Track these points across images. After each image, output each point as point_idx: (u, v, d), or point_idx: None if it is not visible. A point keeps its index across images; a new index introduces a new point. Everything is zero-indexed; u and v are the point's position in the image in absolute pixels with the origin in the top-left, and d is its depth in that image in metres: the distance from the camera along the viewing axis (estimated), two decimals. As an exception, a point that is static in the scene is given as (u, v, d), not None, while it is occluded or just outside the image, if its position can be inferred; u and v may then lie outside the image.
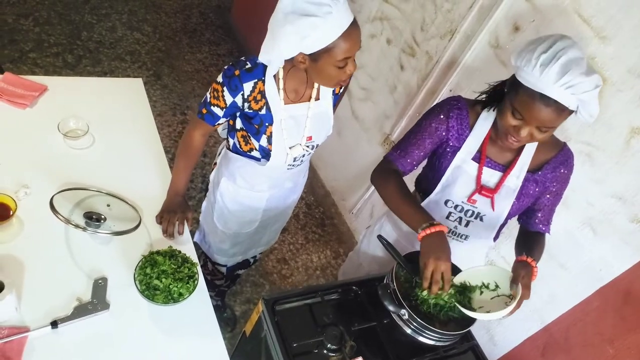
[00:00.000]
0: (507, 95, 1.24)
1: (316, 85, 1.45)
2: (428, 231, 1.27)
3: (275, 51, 1.24)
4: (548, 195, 1.43)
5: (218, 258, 1.91)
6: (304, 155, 1.58)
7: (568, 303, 1.71)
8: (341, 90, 1.58)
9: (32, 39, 3.41)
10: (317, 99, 1.49)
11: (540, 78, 1.12)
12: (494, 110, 1.35)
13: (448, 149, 1.42)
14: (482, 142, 1.38)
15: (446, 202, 1.46)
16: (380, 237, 1.48)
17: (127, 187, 1.60)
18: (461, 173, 1.41)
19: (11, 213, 1.34)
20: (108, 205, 1.53)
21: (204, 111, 1.46)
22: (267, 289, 2.60)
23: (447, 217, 1.49)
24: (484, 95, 1.39)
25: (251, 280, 2.60)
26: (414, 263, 1.47)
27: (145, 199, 1.59)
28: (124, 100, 1.96)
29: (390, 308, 1.32)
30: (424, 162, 1.54)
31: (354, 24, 1.24)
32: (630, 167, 1.49)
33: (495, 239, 1.57)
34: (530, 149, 1.38)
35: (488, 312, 1.25)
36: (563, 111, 1.15)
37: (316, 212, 3.18)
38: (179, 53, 3.88)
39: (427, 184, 1.52)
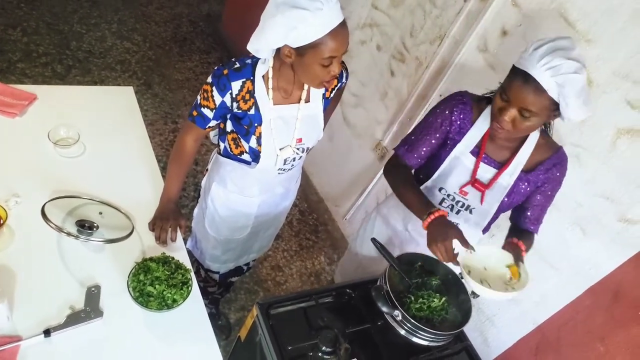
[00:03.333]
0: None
1: (306, 86, 1.46)
2: (430, 219, 1.33)
3: (262, 40, 1.26)
4: (539, 196, 1.46)
5: (210, 265, 1.90)
6: (294, 159, 1.58)
7: (559, 303, 1.72)
8: (332, 95, 1.59)
9: (21, 49, 3.40)
10: (307, 101, 1.50)
11: (528, 58, 1.19)
12: None
13: (449, 142, 1.47)
14: (482, 137, 1.42)
15: (440, 190, 1.50)
16: (373, 240, 1.49)
17: (119, 195, 1.59)
18: (458, 164, 1.45)
19: (1, 222, 1.33)
20: (100, 213, 1.52)
21: (195, 113, 1.46)
22: (261, 296, 2.60)
23: (440, 203, 1.53)
24: (492, 93, 1.43)
25: (245, 287, 2.60)
26: (406, 265, 1.49)
27: (138, 207, 1.58)
28: (115, 109, 1.96)
29: (384, 309, 1.33)
30: None
31: (343, 25, 1.26)
32: (617, 168, 1.51)
33: (484, 231, 1.60)
34: (527, 149, 1.41)
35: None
36: (542, 93, 1.19)
37: (310, 219, 3.18)
38: (169, 62, 3.88)
39: (425, 171, 1.56)
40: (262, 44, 1.27)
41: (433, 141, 1.48)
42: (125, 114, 1.95)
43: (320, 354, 1.32)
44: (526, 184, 1.44)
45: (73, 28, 3.78)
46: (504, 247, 1.41)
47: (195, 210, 1.86)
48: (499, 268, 1.37)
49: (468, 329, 1.43)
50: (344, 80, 1.60)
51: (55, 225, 1.31)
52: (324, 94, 1.54)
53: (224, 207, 1.69)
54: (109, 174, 1.68)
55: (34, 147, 1.66)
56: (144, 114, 2.03)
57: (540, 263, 1.77)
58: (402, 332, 1.34)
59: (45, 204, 1.37)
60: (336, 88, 1.59)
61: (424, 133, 1.49)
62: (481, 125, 1.42)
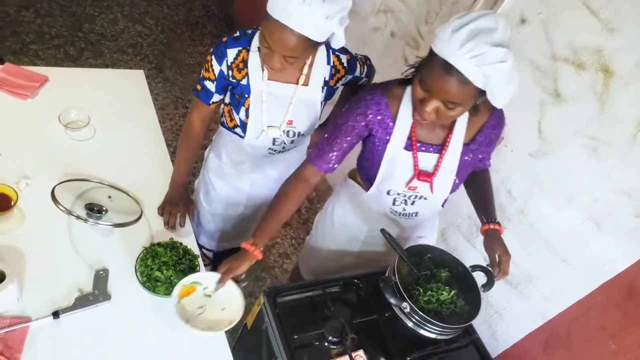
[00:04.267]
0: (420, 66, 1.19)
1: (305, 69, 1.42)
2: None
3: None
4: (481, 155, 1.45)
5: (205, 241, 1.91)
6: (284, 142, 1.54)
7: (570, 298, 1.70)
8: (337, 85, 1.53)
9: (34, 31, 3.40)
10: (306, 84, 1.46)
11: (447, 43, 1.05)
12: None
13: (377, 142, 1.37)
14: (410, 129, 1.33)
15: (388, 192, 1.44)
16: (383, 230, 1.47)
17: (128, 179, 1.59)
18: (397, 164, 1.36)
19: (12, 204, 1.33)
20: (109, 197, 1.52)
21: (199, 87, 1.47)
22: (268, 282, 2.60)
23: (393, 204, 1.47)
24: (403, 75, 1.33)
25: (253, 274, 2.60)
26: (415, 256, 1.47)
27: (146, 191, 1.58)
28: (126, 92, 1.95)
29: (392, 301, 1.31)
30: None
31: (290, 31, 1.17)
32: (637, 162, 1.47)
33: (442, 205, 1.52)
34: (462, 123, 1.33)
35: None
36: (467, 85, 1.08)
37: (318, 207, 3.16)
38: (181, 46, 3.86)
39: (367, 172, 1.49)
40: None
41: (344, 145, 1.36)
42: (136, 98, 1.95)
43: (326, 344, 1.31)
44: (471, 155, 1.38)
45: (86, 10, 3.77)
46: (485, 243, 1.40)
47: (196, 182, 1.87)
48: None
49: (476, 322, 1.41)
50: (357, 74, 1.54)
51: (65, 208, 1.31)
52: (327, 81, 1.48)
53: (218, 179, 1.71)
54: (119, 157, 1.68)
55: (45, 129, 1.66)
56: (154, 98, 2.02)
57: (551, 257, 1.74)
58: (410, 324, 1.33)
59: (55, 187, 1.37)
60: (341, 80, 1.52)
61: (335, 137, 1.36)
62: (403, 118, 1.31)
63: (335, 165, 1.40)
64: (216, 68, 1.39)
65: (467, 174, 1.46)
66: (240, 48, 1.37)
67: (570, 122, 1.61)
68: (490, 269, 1.39)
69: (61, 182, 1.43)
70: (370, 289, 1.51)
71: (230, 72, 1.40)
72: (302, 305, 1.44)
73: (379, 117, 1.32)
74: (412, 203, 1.47)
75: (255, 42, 1.37)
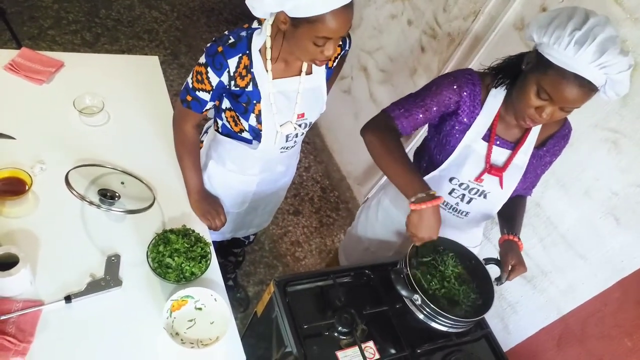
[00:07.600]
0: (530, 73, 1.17)
1: None
2: (423, 206, 1.18)
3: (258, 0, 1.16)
4: (539, 169, 1.43)
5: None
6: (296, 135, 1.51)
7: (586, 294, 1.67)
8: (334, 64, 1.49)
9: (51, 16, 3.42)
10: (309, 72, 1.41)
11: (574, 57, 1.05)
12: (504, 88, 1.30)
13: (457, 126, 1.36)
14: (493, 120, 1.33)
15: (451, 180, 1.42)
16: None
17: (141, 165, 1.59)
18: (470, 152, 1.36)
19: (27, 188, 1.35)
20: (122, 183, 1.52)
21: (189, 98, 1.38)
22: (280, 270, 2.61)
23: (450, 194, 1.45)
24: (493, 69, 1.34)
25: (264, 261, 2.61)
26: (428, 248, 1.45)
27: (159, 178, 1.58)
28: (140, 78, 1.95)
29: (403, 293, 1.30)
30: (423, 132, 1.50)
31: (348, 7, 1.15)
32: (659, 156, 1.43)
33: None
34: (538, 126, 1.33)
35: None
36: (593, 91, 1.10)
37: (331, 196, 3.16)
38: (196, 32, 3.85)
39: (430, 158, 1.47)
40: (256, 3, 1.18)
41: (433, 112, 1.34)
42: (150, 84, 1.94)
43: (336, 334, 1.31)
44: (538, 160, 1.39)
45: (102, -4, 3.78)
46: (500, 252, 1.39)
47: None
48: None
49: (488, 315, 1.39)
50: (347, 47, 1.50)
51: (78, 194, 1.32)
52: (326, 64, 1.43)
53: (222, 185, 1.66)
54: (132, 143, 1.68)
55: (60, 114, 1.66)
56: (170, 85, 2.02)
57: (567, 251, 1.71)
58: (421, 316, 1.32)
59: (68, 172, 1.37)
60: (339, 56, 1.49)
61: (426, 101, 1.34)
62: (490, 107, 1.31)
63: (413, 131, 1.39)
64: (214, 80, 1.31)
65: (530, 180, 1.44)
66: (240, 54, 1.29)
67: (590, 115, 1.57)
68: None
69: (75, 167, 1.44)
70: (381, 279, 1.49)
71: (232, 82, 1.33)
72: (312, 294, 1.43)
73: (472, 98, 1.33)
74: (469, 201, 1.45)
75: (256, 44, 1.30)
